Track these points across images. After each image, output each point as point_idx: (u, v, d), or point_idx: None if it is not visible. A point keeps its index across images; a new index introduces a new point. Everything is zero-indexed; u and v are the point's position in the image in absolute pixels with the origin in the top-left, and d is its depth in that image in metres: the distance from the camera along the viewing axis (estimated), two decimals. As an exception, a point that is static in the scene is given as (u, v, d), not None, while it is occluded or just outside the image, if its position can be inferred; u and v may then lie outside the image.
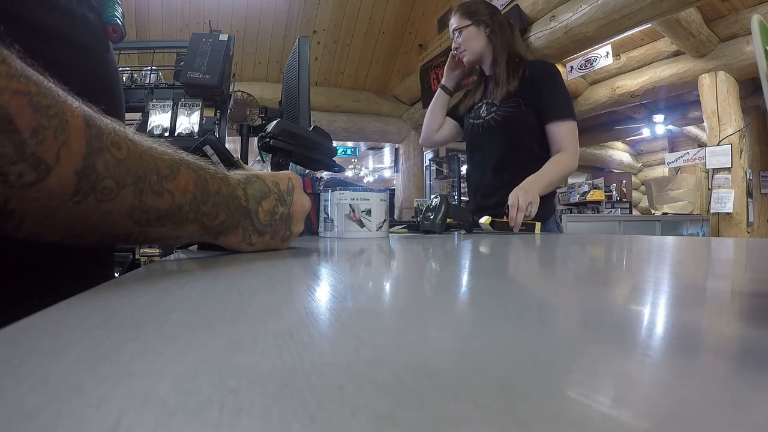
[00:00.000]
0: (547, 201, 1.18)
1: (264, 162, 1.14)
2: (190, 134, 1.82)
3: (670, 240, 0.75)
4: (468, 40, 1.29)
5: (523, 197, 1.05)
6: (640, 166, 8.43)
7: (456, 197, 5.75)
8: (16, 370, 0.11)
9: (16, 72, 0.20)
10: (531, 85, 1.21)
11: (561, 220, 1.29)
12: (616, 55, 4.18)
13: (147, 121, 1.84)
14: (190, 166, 0.31)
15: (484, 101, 1.33)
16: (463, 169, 6.22)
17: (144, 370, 0.11)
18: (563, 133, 1.20)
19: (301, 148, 0.80)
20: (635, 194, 6.15)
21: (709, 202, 3.56)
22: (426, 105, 4.82)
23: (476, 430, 0.08)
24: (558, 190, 1.30)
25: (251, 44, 4.65)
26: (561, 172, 1.19)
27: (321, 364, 0.11)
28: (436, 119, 1.45)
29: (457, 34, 1.31)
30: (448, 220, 0.97)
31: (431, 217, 0.95)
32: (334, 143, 0.91)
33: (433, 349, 0.13)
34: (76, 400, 0.09)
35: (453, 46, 1.33)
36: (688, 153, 4.20)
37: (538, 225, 1.06)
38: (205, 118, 1.96)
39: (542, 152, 1.24)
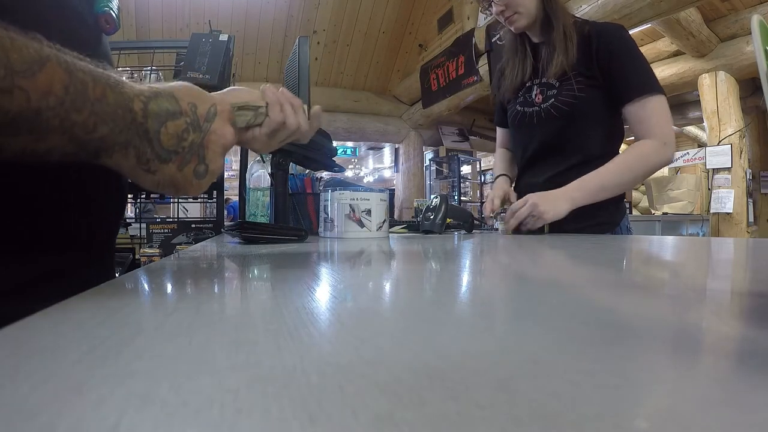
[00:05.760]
0: (612, 205, 0.98)
1: (264, 162, 1.14)
2: (190, 134, 1.82)
3: (670, 240, 0.75)
4: None
5: (531, 207, 0.89)
6: (640, 166, 8.40)
7: (456, 197, 5.75)
8: (16, 370, 0.11)
9: None
10: (599, 58, 0.92)
11: (630, 226, 1.08)
12: (616, 55, 4.16)
13: (147, 121, 1.84)
14: (62, 63, 0.26)
15: (535, 81, 1.02)
16: (463, 169, 6.22)
17: (144, 370, 0.11)
18: (645, 113, 0.91)
19: (301, 148, 0.80)
20: (635, 194, 6.13)
21: (709, 202, 3.56)
22: (426, 105, 4.82)
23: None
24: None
25: (251, 44, 4.65)
26: (633, 169, 0.92)
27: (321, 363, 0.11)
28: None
29: None
30: (448, 220, 0.97)
31: (431, 217, 0.95)
32: (334, 143, 0.91)
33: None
34: (76, 400, 0.09)
35: (496, 10, 0.98)
36: (688, 153, 4.21)
37: (545, 226, 0.95)
38: (205, 118, 1.96)
39: (614, 149, 1.00)
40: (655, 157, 0.91)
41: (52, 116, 0.25)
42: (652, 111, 0.90)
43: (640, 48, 0.93)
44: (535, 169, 1.06)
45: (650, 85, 0.91)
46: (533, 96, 1.02)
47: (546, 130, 1.00)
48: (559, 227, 0.96)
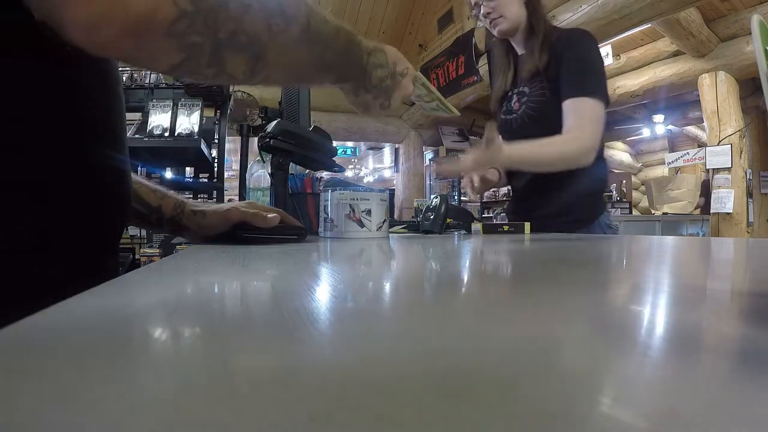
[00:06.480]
0: (589, 199, 1.00)
1: (264, 162, 1.14)
2: (190, 134, 1.82)
3: (670, 240, 0.75)
4: (505, 4, 1.00)
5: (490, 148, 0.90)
6: (640, 166, 8.42)
7: (456, 197, 5.75)
8: (17, 370, 0.11)
9: None
10: (558, 62, 0.97)
11: (610, 223, 1.06)
12: (616, 55, 4.17)
13: (147, 122, 1.84)
14: (347, 32, 0.45)
15: (515, 90, 1.09)
16: (463, 169, 6.20)
17: (143, 370, 0.11)
18: (573, 109, 0.94)
19: (301, 148, 0.80)
20: (635, 194, 6.14)
21: (709, 202, 3.55)
22: (426, 105, 4.82)
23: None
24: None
25: (251, 44, 4.65)
26: (551, 155, 0.94)
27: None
28: None
29: None
30: (448, 220, 0.96)
31: (431, 217, 0.94)
32: (334, 143, 0.91)
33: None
34: (77, 400, 0.09)
35: (483, 12, 1.03)
36: (688, 153, 4.20)
37: (527, 225, 0.95)
38: (205, 118, 1.97)
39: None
40: (567, 150, 0.93)
41: (337, 62, 0.45)
42: (581, 110, 0.94)
43: (639, 48, 0.96)
44: (518, 173, 1.13)
45: (590, 88, 0.94)
46: (512, 104, 1.10)
47: (523, 135, 1.05)
48: (538, 222, 0.99)
